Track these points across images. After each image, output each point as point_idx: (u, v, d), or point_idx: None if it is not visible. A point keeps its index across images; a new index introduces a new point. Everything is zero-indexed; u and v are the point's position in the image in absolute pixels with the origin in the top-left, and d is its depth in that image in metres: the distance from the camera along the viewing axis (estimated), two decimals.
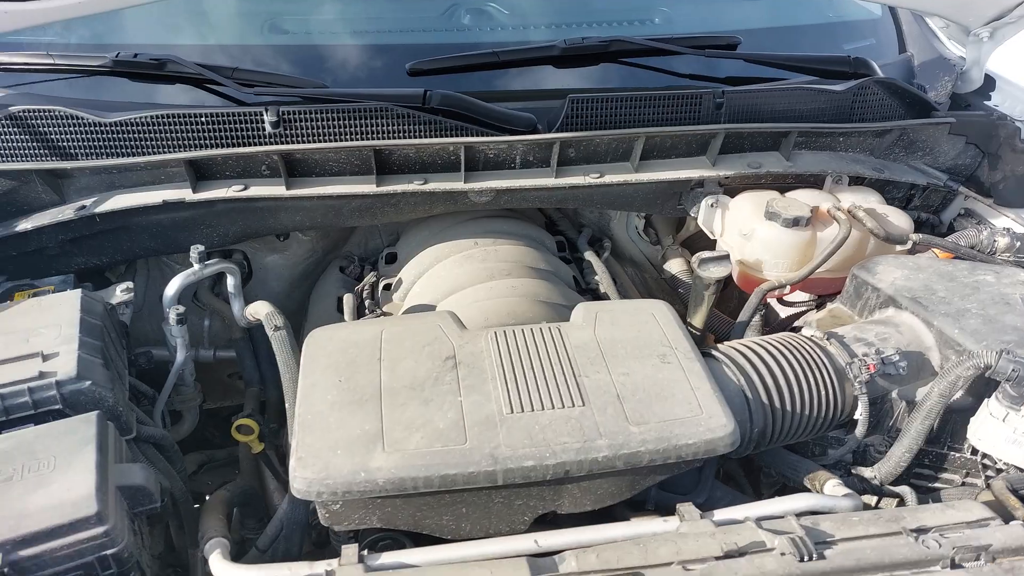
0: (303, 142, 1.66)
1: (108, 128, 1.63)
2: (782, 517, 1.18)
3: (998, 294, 1.54)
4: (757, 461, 1.61)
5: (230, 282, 1.72)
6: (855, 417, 1.42)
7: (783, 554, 1.09)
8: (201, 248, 1.61)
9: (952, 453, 1.48)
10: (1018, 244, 1.81)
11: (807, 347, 1.45)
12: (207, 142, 1.65)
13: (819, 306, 1.89)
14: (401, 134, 1.69)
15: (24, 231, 1.62)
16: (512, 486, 1.18)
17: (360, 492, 1.11)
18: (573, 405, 1.22)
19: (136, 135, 1.63)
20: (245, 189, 1.66)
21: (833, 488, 1.35)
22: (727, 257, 1.73)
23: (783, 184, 1.91)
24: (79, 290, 1.52)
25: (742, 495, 1.52)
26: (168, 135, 1.64)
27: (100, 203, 1.63)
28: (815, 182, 1.93)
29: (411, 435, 1.16)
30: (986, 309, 1.49)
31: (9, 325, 1.39)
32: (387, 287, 2.01)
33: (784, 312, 1.95)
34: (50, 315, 1.42)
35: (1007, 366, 1.26)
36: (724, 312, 1.97)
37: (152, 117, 1.62)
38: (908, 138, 1.98)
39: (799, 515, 1.18)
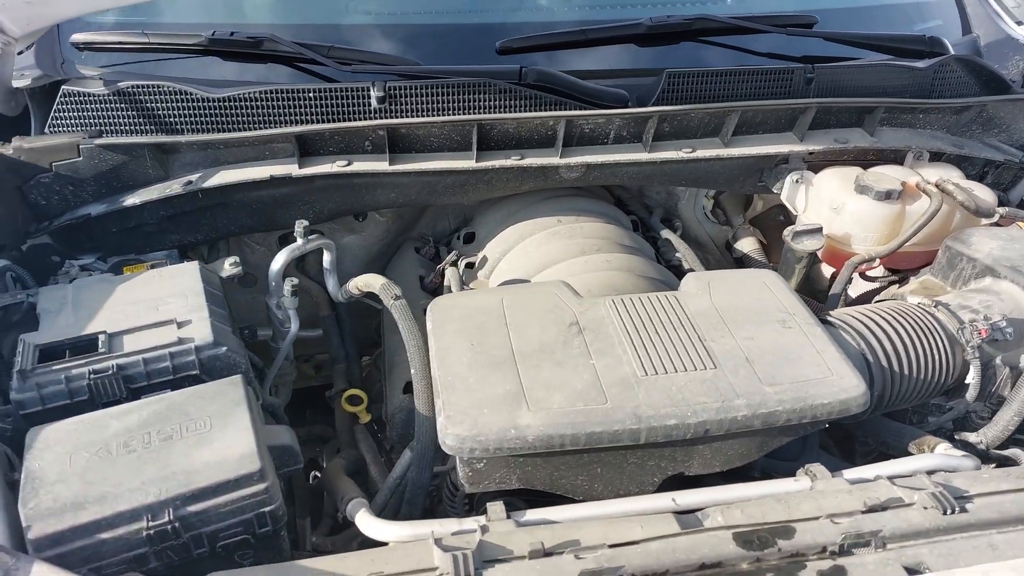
0: (406, 118, 1.68)
1: (216, 104, 1.65)
2: (911, 476, 1.21)
3: None
4: (853, 430, 1.63)
5: (327, 258, 1.75)
6: (967, 381, 1.45)
7: (925, 508, 1.11)
8: (306, 223, 1.64)
9: None
10: None
11: (919, 313, 1.48)
12: (313, 118, 1.67)
13: (900, 281, 1.92)
14: (499, 110, 1.71)
15: (131, 206, 1.65)
16: (649, 446, 1.20)
17: (509, 449, 1.14)
18: (704, 368, 1.25)
19: (243, 111, 1.66)
20: (349, 164, 1.68)
21: (947, 451, 1.37)
22: (820, 230, 1.75)
23: (864, 160, 1.93)
24: (196, 262, 1.54)
25: (843, 462, 1.55)
26: (275, 111, 1.66)
27: (206, 178, 1.66)
28: (895, 158, 1.95)
29: (551, 394, 1.19)
30: None
31: (135, 295, 1.41)
32: (469, 265, 2.05)
33: (865, 287, 1.98)
34: (173, 285, 1.45)
35: None
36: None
37: (260, 93, 1.65)
38: (986, 115, 2.00)
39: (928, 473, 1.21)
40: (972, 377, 1.43)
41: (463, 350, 1.28)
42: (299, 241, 1.67)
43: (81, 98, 1.66)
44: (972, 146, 2.00)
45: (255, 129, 1.67)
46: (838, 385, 1.23)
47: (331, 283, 1.78)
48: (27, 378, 1.20)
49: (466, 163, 1.71)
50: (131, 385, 1.26)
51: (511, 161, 1.72)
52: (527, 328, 1.33)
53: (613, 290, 1.63)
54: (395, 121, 1.63)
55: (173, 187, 1.65)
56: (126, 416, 1.15)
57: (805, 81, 1.82)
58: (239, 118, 1.67)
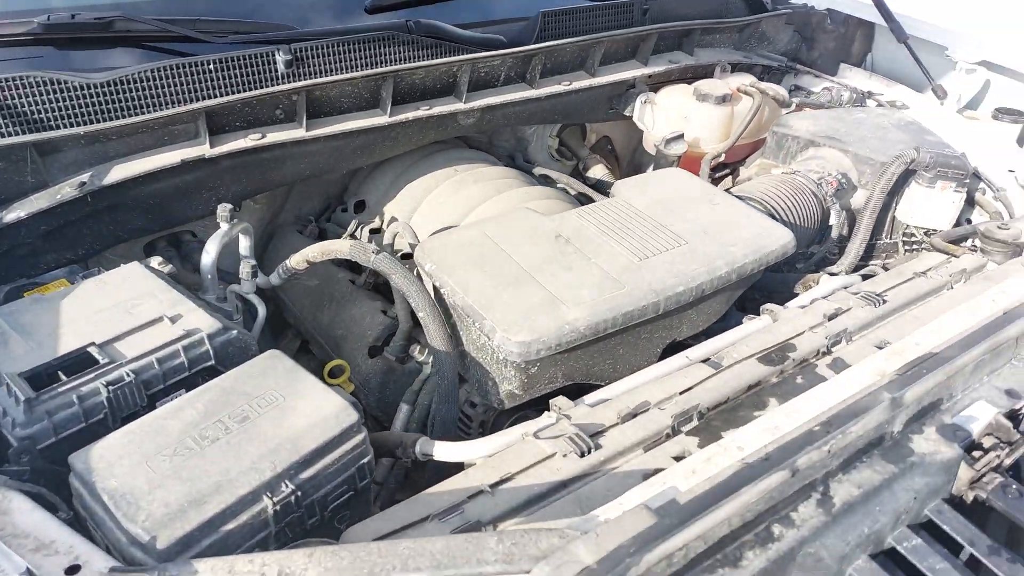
0: (304, 80, 1.64)
1: (98, 90, 1.46)
2: (832, 293, 1.55)
3: (874, 124, 2.06)
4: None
5: (245, 244, 1.65)
6: (830, 223, 1.85)
7: (862, 307, 1.45)
8: (230, 206, 1.54)
9: (875, 241, 1.98)
10: (854, 96, 2.38)
11: (791, 179, 1.84)
12: (211, 92, 1.56)
13: (732, 173, 2.33)
14: (401, 63, 1.74)
15: (10, 223, 1.41)
16: (657, 319, 1.39)
17: (568, 342, 1.25)
18: (679, 245, 1.46)
19: (132, 94, 1.49)
20: (263, 137, 1.60)
21: (831, 279, 1.76)
22: (681, 136, 2.07)
23: (684, 78, 2.29)
24: (135, 263, 1.38)
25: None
26: (168, 90, 1.52)
27: (102, 175, 1.47)
28: (706, 73, 2.34)
29: (579, 291, 1.32)
30: (874, 134, 2.00)
31: (93, 306, 1.24)
32: (373, 231, 2.05)
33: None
34: (129, 288, 1.29)
35: (924, 157, 1.76)
36: None
37: (150, 71, 1.49)
38: (760, 31, 2.48)
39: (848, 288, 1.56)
40: (834, 219, 1.84)
41: (481, 277, 1.35)
42: (225, 227, 1.56)
43: None
44: (755, 57, 2.47)
45: (145, 113, 1.51)
46: (774, 236, 1.52)
47: (246, 270, 1.68)
48: (34, 407, 1.03)
49: (380, 119, 1.72)
50: (149, 391, 1.13)
51: (422, 111, 1.77)
52: (522, 248, 1.43)
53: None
54: (316, 81, 1.58)
55: (64, 191, 1.44)
56: (179, 414, 1.04)
57: (642, 12, 2.10)
58: (127, 103, 1.50)
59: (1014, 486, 0.94)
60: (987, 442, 1.00)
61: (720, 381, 1.25)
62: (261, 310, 1.52)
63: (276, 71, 1.60)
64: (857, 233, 1.86)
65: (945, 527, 0.91)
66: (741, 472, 0.89)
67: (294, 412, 1.06)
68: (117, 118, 1.49)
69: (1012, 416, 1.04)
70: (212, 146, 1.55)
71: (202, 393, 1.09)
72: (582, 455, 1.10)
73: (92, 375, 1.08)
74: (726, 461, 0.94)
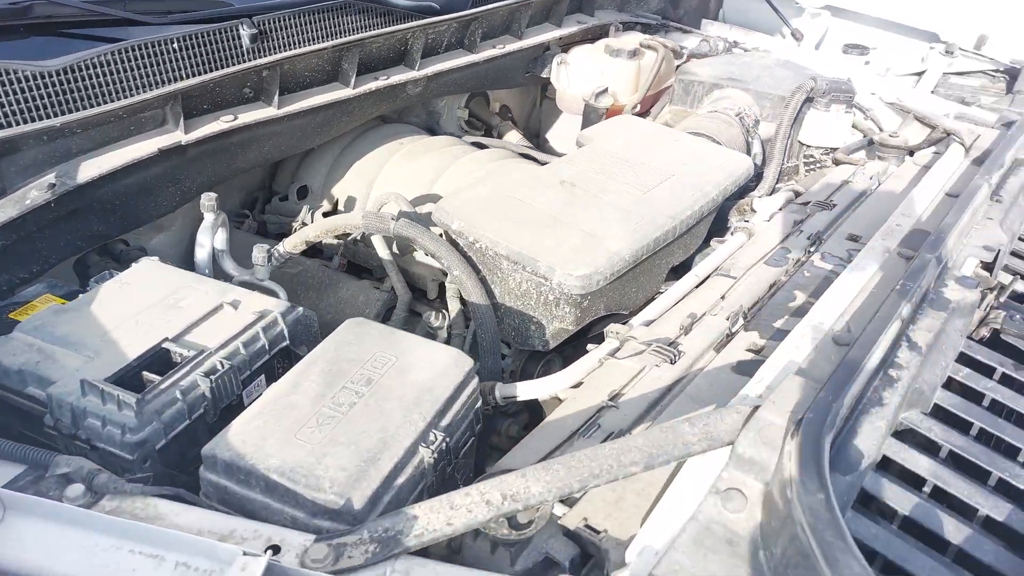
0: (274, 54, 1.56)
1: (54, 78, 1.30)
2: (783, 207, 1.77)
3: (761, 65, 2.34)
4: None
5: (222, 237, 1.55)
6: (753, 152, 2.09)
7: (820, 212, 1.68)
8: (214, 195, 1.45)
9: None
10: (727, 45, 2.67)
11: (720, 116, 2.05)
12: (174, 74, 1.44)
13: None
14: (356, 33, 1.71)
15: None
16: (668, 245, 1.52)
17: (617, 271, 1.34)
18: (670, 177, 1.60)
19: (91, 80, 1.34)
20: (235, 119, 1.51)
21: (761, 198, 1.99)
22: (607, 90, 2.21)
23: (586, 39, 2.44)
24: (146, 258, 1.27)
25: None
26: (131, 74, 1.38)
27: (71, 174, 1.32)
28: (602, 33, 2.50)
29: (608, 227, 1.41)
30: (765, 73, 2.27)
31: (130, 308, 1.13)
32: (327, 214, 1.99)
33: None
34: (159, 284, 1.19)
35: (821, 84, 2.05)
36: None
37: (110, 54, 1.35)
38: None
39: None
40: (757, 148, 2.08)
41: (514, 226, 1.39)
42: (211, 217, 1.46)
43: None
44: (639, 16, 2.67)
45: (111, 101, 1.37)
46: (739, 162, 1.71)
47: (229, 264, 1.58)
48: (144, 406, 0.93)
49: (344, 92, 1.68)
50: (241, 377, 1.06)
51: (380, 82, 1.75)
52: (537, 196, 1.49)
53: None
54: (291, 53, 1.51)
55: (32, 195, 1.27)
56: (299, 390, 1.00)
57: None
58: (87, 92, 1.34)
59: (1018, 316, 1.18)
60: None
61: (745, 286, 1.41)
62: (282, 295, 1.45)
63: (241, 47, 1.51)
64: (772, 159, 2.11)
65: (978, 356, 1.13)
66: (838, 337, 1.05)
67: (413, 367, 1.06)
68: (77, 109, 1.34)
69: (987, 267, 1.29)
70: (187, 132, 1.44)
71: (308, 368, 1.05)
72: (672, 362, 1.20)
73: (188, 368, 1.00)
74: (815, 336, 1.09)
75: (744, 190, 2.14)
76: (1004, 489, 0.94)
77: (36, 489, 0.87)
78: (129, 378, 1.00)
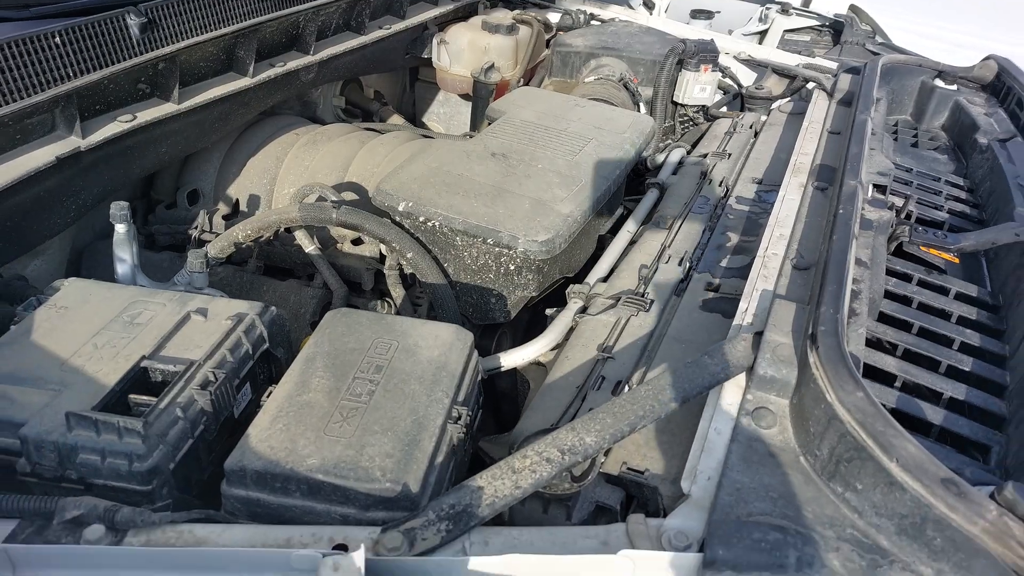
0: (169, 44, 1.42)
1: None
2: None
3: (628, 33, 2.47)
4: None
5: (132, 249, 1.40)
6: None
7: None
8: (125, 203, 1.30)
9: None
10: (586, 17, 2.77)
11: (605, 82, 2.14)
12: (58, 73, 1.27)
13: None
14: (240, 20, 1.59)
15: None
16: (602, 208, 1.57)
17: (574, 231, 1.38)
18: (589, 140, 1.65)
19: None
20: (134, 119, 1.36)
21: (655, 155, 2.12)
22: (493, 65, 2.23)
23: (457, 17, 2.44)
24: (72, 278, 1.12)
25: None
26: (10, 74, 1.20)
27: None
28: (472, 11, 2.51)
29: (551, 191, 1.44)
30: (634, 40, 2.40)
31: (81, 332, 1.00)
32: (226, 217, 1.85)
33: None
34: (102, 302, 1.06)
35: (690, 47, 2.20)
36: None
37: None
38: None
39: None
40: (643, 109, 2.20)
41: (463, 200, 1.38)
42: (123, 228, 1.32)
43: None
44: None
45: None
46: (644, 121, 1.80)
47: (144, 280, 1.43)
48: (149, 430, 0.83)
49: (244, 81, 1.57)
50: (232, 385, 0.98)
51: (278, 69, 1.65)
52: (474, 170, 1.49)
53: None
54: (190, 42, 1.38)
55: None
56: (308, 387, 0.94)
57: None
58: None
59: (920, 228, 1.36)
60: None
61: (682, 235, 1.50)
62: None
63: (131, 38, 1.36)
64: (654, 119, 2.24)
65: (899, 267, 1.29)
66: (797, 263, 1.16)
67: (419, 347, 1.03)
68: None
69: (880, 189, 1.47)
70: (85, 135, 1.28)
71: (308, 365, 0.99)
72: (647, 310, 1.26)
73: (183, 383, 0.91)
74: (774, 265, 1.19)
75: None
76: (953, 373, 1.10)
77: (44, 540, 0.75)
78: (113, 405, 0.89)
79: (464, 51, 2.32)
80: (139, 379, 0.93)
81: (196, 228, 1.80)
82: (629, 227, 1.63)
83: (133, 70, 1.33)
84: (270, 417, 0.90)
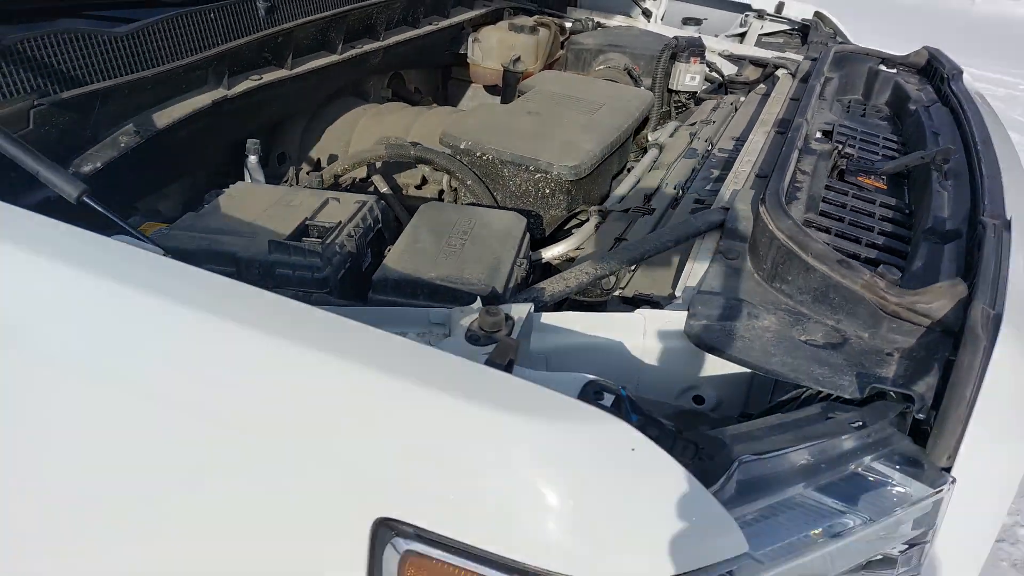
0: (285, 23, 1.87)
1: (123, 42, 1.54)
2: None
3: (630, 35, 2.93)
4: None
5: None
6: None
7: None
8: (257, 140, 1.75)
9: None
10: (594, 24, 3.25)
11: (611, 71, 2.60)
12: (212, 40, 1.72)
13: None
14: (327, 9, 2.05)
15: (88, 174, 1.46)
16: (614, 152, 2.01)
17: (594, 162, 1.81)
18: (602, 106, 2.10)
19: (150, 45, 1.59)
20: (260, 79, 1.81)
21: (654, 131, 2.57)
22: (519, 57, 2.69)
23: (485, 21, 2.91)
24: (240, 182, 1.55)
25: None
26: (178, 39, 1.64)
27: (150, 124, 1.57)
28: (496, 16, 2.99)
29: (577, 135, 1.89)
30: (635, 40, 2.86)
31: (254, 209, 1.43)
32: (308, 172, 2.29)
33: None
34: (261, 196, 1.49)
35: (681, 42, 2.66)
36: None
37: (162, 22, 1.60)
38: None
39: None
40: None
41: (510, 139, 1.83)
42: (254, 158, 1.76)
43: None
44: (521, 4, 3.18)
45: (167, 63, 1.62)
46: (645, 94, 2.27)
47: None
48: (327, 250, 1.27)
49: (333, 57, 2.02)
50: (365, 239, 1.41)
51: (356, 50, 2.11)
52: (516, 121, 1.94)
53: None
54: (306, 19, 1.84)
55: (123, 139, 1.51)
56: (418, 242, 1.37)
57: None
58: (147, 54, 1.60)
59: (856, 156, 1.80)
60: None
61: (676, 171, 1.95)
62: None
63: (259, 17, 1.81)
64: (653, 104, 2.70)
65: (836, 186, 1.72)
66: (760, 172, 1.60)
67: (491, 223, 1.47)
68: (143, 69, 1.59)
69: (827, 135, 1.91)
70: (229, 88, 1.73)
71: (414, 232, 1.42)
72: (651, 214, 1.69)
73: (335, 232, 1.34)
74: (743, 177, 1.63)
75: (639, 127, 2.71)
76: (874, 245, 1.53)
77: None
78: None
79: (494, 48, 2.78)
80: (303, 232, 1.36)
81: (286, 181, 2.25)
82: (636, 171, 2.07)
83: (262, 40, 1.78)
84: (397, 253, 1.33)
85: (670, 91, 2.78)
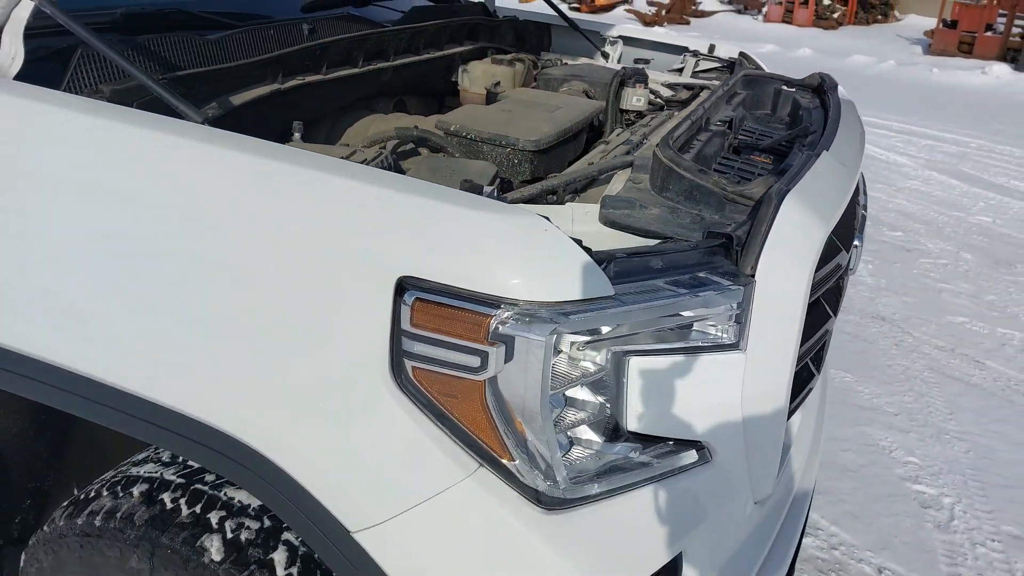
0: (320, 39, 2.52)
1: (211, 45, 2.18)
2: None
3: (590, 69, 3.62)
4: None
5: None
6: None
7: None
8: (300, 122, 2.37)
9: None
10: (562, 63, 3.94)
11: (572, 93, 3.27)
12: (267, 49, 2.36)
13: None
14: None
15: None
16: (568, 138, 2.63)
17: (551, 141, 2.43)
18: (564, 106, 2.74)
19: (227, 50, 2.22)
20: (304, 80, 2.45)
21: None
22: (499, 83, 3.36)
23: (472, 56, 3.59)
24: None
25: None
26: (245, 47, 2.28)
27: (227, 103, 2.19)
28: (482, 53, 3.68)
29: (539, 123, 2.51)
30: (593, 73, 3.54)
31: None
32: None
33: None
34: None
35: (629, 71, 3.34)
36: None
37: (237, 35, 2.24)
38: (490, 26, 3.91)
39: None
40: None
41: (489, 124, 2.45)
42: (298, 134, 2.37)
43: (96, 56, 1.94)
44: (501, 45, 3.88)
45: (240, 60, 2.25)
46: (596, 103, 2.91)
47: None
48: None
49: (356, 69, 2.67)
50: None
51: (372, 66, 2.76)
52: (492, 114, 2.57)
53: None
54: (336, 37, 2.49)
55: (209, 111, 2.12)
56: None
57: (454, 11, 3.35)
58: (228, 54, 2.23)
59: (752, 140, 2.42)
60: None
61: (619, 148, 2.57)
62: None
63: (303, 35, 2.46)
64: (606, 121, 3.36)
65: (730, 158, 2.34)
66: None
67: (471, 166, 2.06)
68: (225, 63, 2.22)
69: (728, 123, 2.54)
70: (282, 84, 2.36)
71: (415, 169, 2.01)
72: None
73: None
74: None
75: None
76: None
77: None
78: None
79: (479, 77, 3.45)
80: None
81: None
82: (586, 157, 2.69)
83: (304, 51, 2.43)
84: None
85: (621, 111, 3.44)
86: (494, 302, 1.33)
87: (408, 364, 1.39)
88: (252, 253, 1.42)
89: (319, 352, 1.40)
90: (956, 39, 17.48)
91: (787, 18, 22.92)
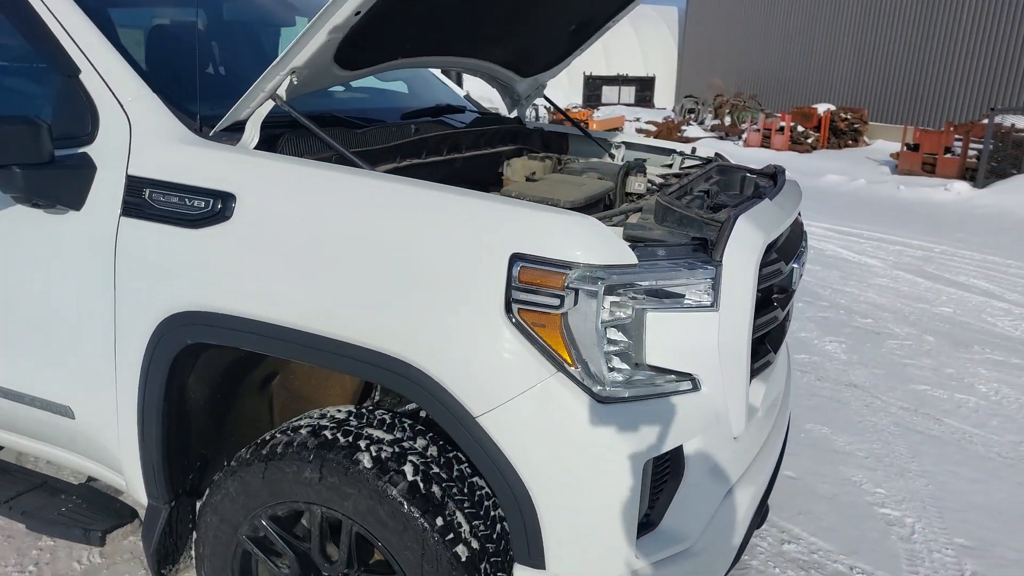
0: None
1: (365, 134, 3.25)
2: None
3: (601, 164, 4.74)
4: None
5: None
6: None
7: None
8: None
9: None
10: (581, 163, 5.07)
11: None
12: (395, 139, 3.44)
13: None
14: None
15: None
16: None
17: (579, 203, 3.47)
18: (586, 183, 3.81)
19: (374, 136, 3.30)
20: (411, 161, 3.52)
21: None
22: (535, 173, 4.47)
23: (513, 155, 4.72)
24: None
25: None
26: (382, 136, 3.36)
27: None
28: (516, 151, 4.81)
29: (574, 190, 3.56)
30: (604, 165, 4.66)
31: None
32: None
33: None
34: None
35: (633, 163, 4.46)
36: None
37: (378, 129, 3.32)
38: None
39: None
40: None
41: (539, 192, 3.50)
42: None
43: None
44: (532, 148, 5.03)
45: (376, 145, 3.32)
46: (607, 181, 3.98)
47: None
48: None
49: (440, 157, 3.76)
50: None
51: (440, 158, 3.84)
52: (536, 188, 3.61)
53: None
54: (434, 134, 3.57)
55: None
56: None
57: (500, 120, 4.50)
58: (372, 140, 3.30)
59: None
60: None
61: None
62: None
63: (412, 132, 3.55)
64: (615, 203, 4.43)
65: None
66: None
67: None
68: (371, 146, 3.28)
69: (706, 192, 3.60)
70: (400, 163, 3.43)
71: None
72: None
73: None
74: None
75: None
76: None
77: None
78: None
79: (519, 168, 4.55)
80: None
81: None
82: None
83: (411, 143, 3.50)
84: None
85: (627, 193, 4.52)
86: (567, 266, 2.30)
87: (515, 306, 2.33)
88: (422, 240, 2.41)
89: (464, 298, 2.35)
90: (919, 160, 19.26)
91: (765, 143, 25.05)
